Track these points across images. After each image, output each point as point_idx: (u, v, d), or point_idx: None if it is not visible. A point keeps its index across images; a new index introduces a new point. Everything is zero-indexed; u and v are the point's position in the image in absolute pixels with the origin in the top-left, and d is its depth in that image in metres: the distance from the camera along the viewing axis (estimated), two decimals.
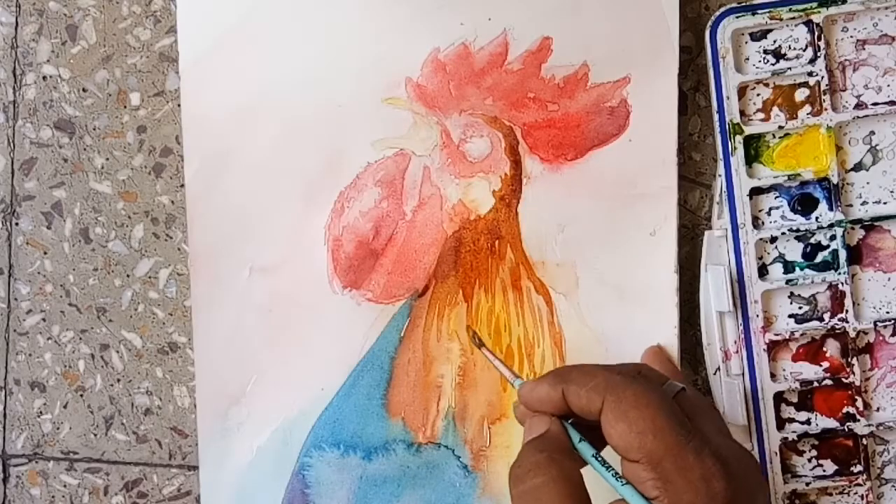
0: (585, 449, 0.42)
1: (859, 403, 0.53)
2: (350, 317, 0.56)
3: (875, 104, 0.52)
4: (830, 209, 0.53)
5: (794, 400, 0.54)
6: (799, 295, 0.53)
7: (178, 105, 0.58)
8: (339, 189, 0.56)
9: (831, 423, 0.53)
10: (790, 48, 0.53)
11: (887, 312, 0.53)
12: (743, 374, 0.53)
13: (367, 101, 0.56)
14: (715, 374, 0.54)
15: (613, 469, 0.40)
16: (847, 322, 0.53)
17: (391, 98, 0.56)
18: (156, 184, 0.60)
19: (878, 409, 0.54)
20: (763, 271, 0.53)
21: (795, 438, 0.53)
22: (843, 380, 0.53)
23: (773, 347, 0.53)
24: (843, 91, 0.53)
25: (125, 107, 0.60)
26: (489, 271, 0.55)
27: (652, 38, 0.53)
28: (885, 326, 0.53)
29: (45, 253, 0.61)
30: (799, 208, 0.53)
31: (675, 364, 0.52)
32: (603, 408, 0.40)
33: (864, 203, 0.53)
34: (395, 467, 0.56)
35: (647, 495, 0.38)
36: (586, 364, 0.44)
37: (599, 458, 0.41)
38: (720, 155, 0.53)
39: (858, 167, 0.53)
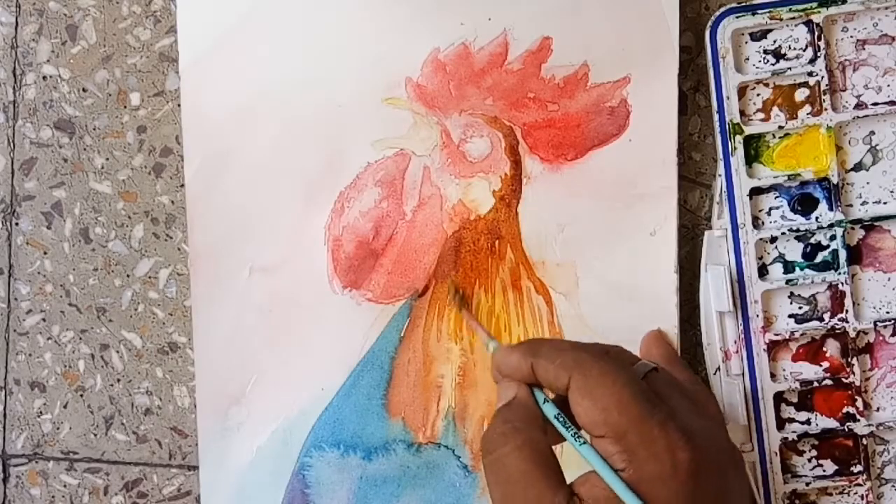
0: (549, 409, 0.43)
1: (859, 403, 0.53)
2: (350, 317, 0.56)
3: (875, 104, 0.52)
4: (830, 209, 0.53)
5: (794, 400, 0.54)
6: (799, 295, 0.53)
7: (178, 105, 0.58)
8: (339, 189, 0.56)
9: (831, 423, 0.53)
10: (790, 48, 0.53)
11: (887, 312, 0.53)
12: (743, 374, 0.53)
13: (367, 101, 0.56)
14: (715, 374, 0.54)
15: (574, 429, 0.41)
16: (847, 322, 0.53)
17: (391, 98, 0.56)
18: (156, 184, 0.60)
19: (878, 409, 0.54)
20: (763, 271, 0.53)
21: (795, 438, 0.53)
22: (843, 380, 0.53)
23: (773, 347, 0.53)
24: (843, 91, 0.53)
25: (125, 107, 0.60)
26: (489, 271, 0.55)
27: (652, 38, 0.53)
28: (885, 326, 0.53)
29: (45, 253, 0.61)
30: (799, 208, 0.53)
31: (675, 348, 0.52)
32: (570, 385, 0.41)
33: (864, 203, 0.53)
34: (395, 467, 0.56)
35: (615, 467, 0.39)
36: (557, 339, 0.44)
37: (561, 419, 0.42)
38: (720, 155, 0.53)
39: (858, 167, 0.53)
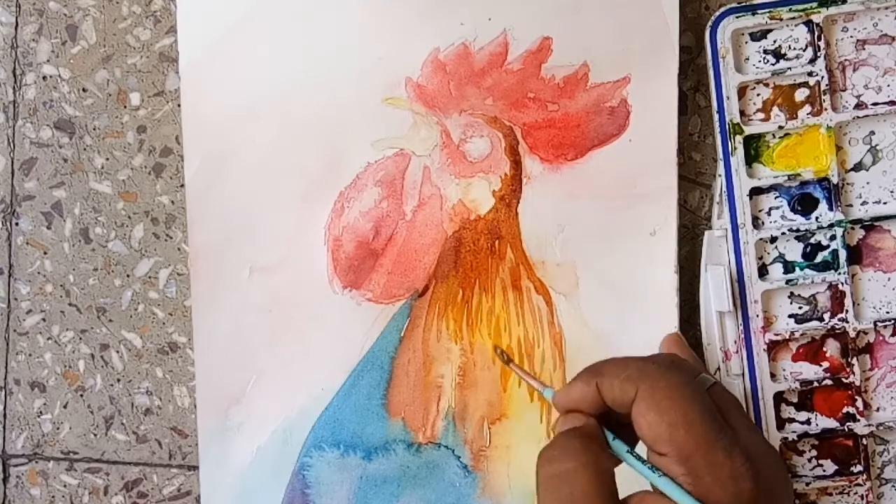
0: (619, 446, 0.41)
1: (859, 403, 0.53)
2: (350, 317, 0.56)
3: (875, 104, 0.52)
4: (830, 209, 0.53)
5: (794, 400, 0.54)
6: (799, 295, 0.53)
7: (178, 105, 0.58)
8: (339, 189, 0.56)
9: (831, 423, 0.53)
10: (790, 48, 0.53)
11: (887, 312, 0.53)
12: (743, 374, 0.53)
13: (367, 101, 0.56)
14: (715, 374, 0.54)
15: (649, 463, 0.40)
16: (847, 322, 0.53)
17: (391, 98, 0.56)
18: (156, 184, 0.60)
19: (878, 409, 0.54)
20: (763, 271, 0.53)
21: (795, 438, 0.53)
22: (843, 380, 0.53)
23: (773, 347, 0.53)
24: (843, 91, 0.53)
25: (125, 107, 0.60)
26: (489, 271, 0.55)
27: (652, 38, 0.53)
28: (885, 326, 0.53)
29: (45, 253, 0.61)
30: (799, 208, 0.53)
31: (692, 353, 0.52)
32: (636, 397, 0.39)
33: (864, 203, 0.53)
34: (396, 467, 0.56)
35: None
36: (619, 356, 0.43)
37: (634, 454, 0.41)
38: (720, 155, 0.53)
39: (858, 167, 0.53)
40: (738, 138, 0.53)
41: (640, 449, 0.41)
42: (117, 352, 0.61)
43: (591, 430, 0.41)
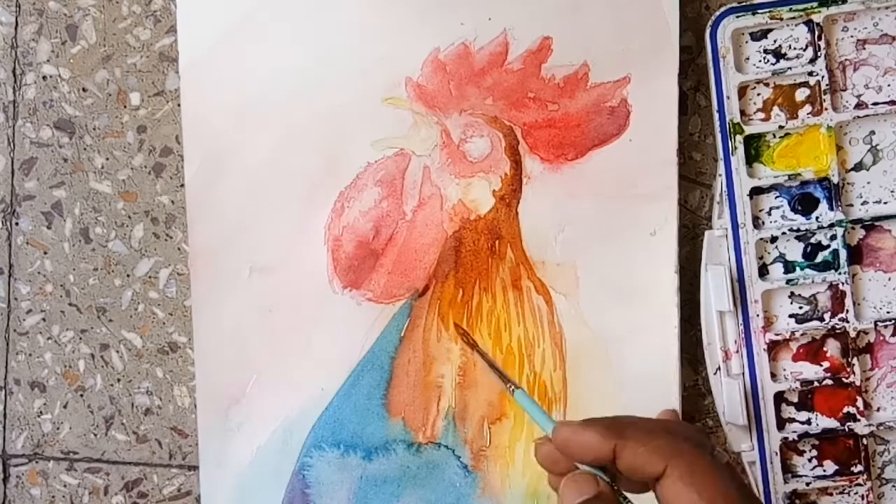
0: None
1: (860, 403, 0.53)
2: (350, 317, 0.56)
3: (875, 104, 0.52)
4: (831, 209, 0.53)
5: (795, 400, 0.54)
6: (799, 295, 0.53)
7: (178, 105, 0.58)
8: (340, 189, 0.56)
9: (832, 423, 0.53)
10: (790, 48, 0.53)
11: (888, 312, 0.53)
12: (743, 373, 0.53)
13: (367, 101, 0.56)
14: (715, 373, 0.54)
15: None
16: (847, 322, 0.53)
17: (391, 98, 0.56)
18: (156, 184, 0.60)
19: (878, 409, 0.54)
20: (763, 271, 0.53)
21: (796, 438, 0.53)
22: (844, 380, 0.53)
23: (774, 347, 0.53)
24: (844, 91, 0.53)
25: (125, 107, 0.60)
26: (489, 271, 0.55)
27: (652, 37, 0.53)
28: (886, 326, 0.53)
29: (45, 253, 0.61)
30: (799, 208, 0.53)
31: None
32: (667, 472, 0.38)
33: (864, 203, 0.53)
34: (396, 467, 0.56)
35: None
36: (642, 419, 0.42)
37: None
38: (720, 155, 0.53)
39: (859, 167, 0.53)
40: (739, 138, 0.53)
41: None
42: (117, 352, 0.61)
43: (607, 498, 0.40)
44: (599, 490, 0.40)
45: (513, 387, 0.46)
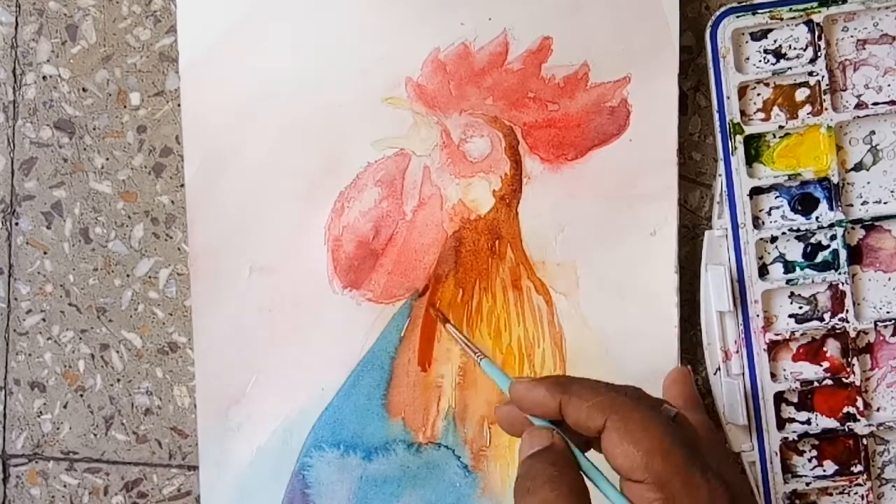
0: (586, 462, 0.42)
1: (859, 403, 0.53)
2: (350, 317, 0.56)
3: (875, 104, 0.52)
4: (831, 209, 0.53)
5: (795, 400, 0.54)
6: (799, 295, 0.53)
7: (178, 105, 0.58)
8: (340, 189, 0.56)
9: (831, 423, 0.53)
10: (790, 48, 0.53)
11: (887, 312, 0.53)
12: (743, 373, 0.53)
13: (367, 101, 0.56)
14: (715, 374, 0.54)
15: (615, 487, 0.41)
16: (847, 322, 0.53)
17: (391, 98, 0.56)
18: (156, 184, 0.60)
19: (878, 409, 0.54)
20: (763, 271, 0.53)
21: (796, 438, 0.53)
22: (844, 380, 0.53)
23: (774, 347, 0.53)
24: (844, 91, 0.53)
25: (125, 107, 0.60)
26: (489, 271, 0.55)
27: (652, 37, 0.53)
28: (886, 326, 0.53)
29: (45, 253, 0.61)
30: (799, 208, 0.53)
31: (693, 389, 0.52)
32: (606, 425, 0.40)
33: (864, 203, 0.53)
34: (396, 467, 0.56)
35: None
36: (587, 378, 0.44)
37: (600, 473, 0.42)
38: (720, 155, 0.53)
39: (859, 167, 0.53)
40: (739, 138, 0.53)
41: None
42: (117, 352, 0.61)
43: (562, 452, 0.42)
44: (552, 442, 0.42)
45: (480, 356, 0.49)
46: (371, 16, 0.56)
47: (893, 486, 0.54)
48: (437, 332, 0.56)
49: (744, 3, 0.52)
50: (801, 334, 0.53)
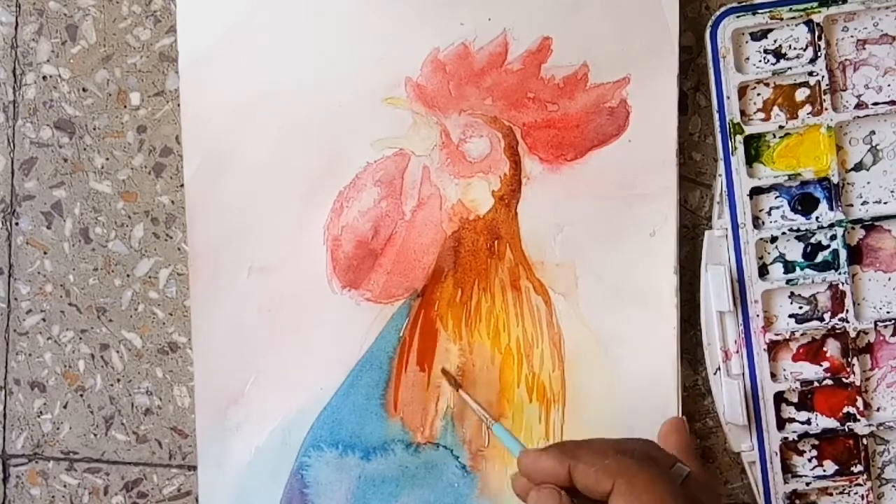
0: None
1: (859, 403, 0.53)
2: (349, 316, 0.56)
3: (875, 104, 0.52)
4: (831, 209, 0.53)
5: (795, 400, 0.54)
6: (799, 295, 0.53)
7: (178, 105, 0.58)
8: (339, 189, 0.56)
9: (831, 423, 0.53)
10: (790, 48, 0.53)
11: (887, 312, 0.53)
12: (743, 373, 0.53)
13: (367, 101, 0.56)
14: (715, 373, 0.54)
15: None
16: (847, 322, 0.53)
17: (391, 98, 0.56)
18: (156, 184, 0.60)
19: (878, 409, 0.53)
20: (763, 271, 0.53)
21: (796, 438, 0.53)
22: (844, 380, 0.53)
23: (774, 347, 0.53)
24: (844, 91, 0.53)
25: (125, 107, 0.60)
26: (488, 271, 0.55)
27: (652, 38, 0.53)
28: (886, 326, 0.53)
29: (45, 253, 0.61)
30: (799, 208, 0.53)
31: (690, 439, 0.52)
32: (614, 489, 0.40)
33: (864, 203, 0.53)
34: (394, 467, 0.56)
35: None
36: (594, 440, 0.44)
37: None
38: (720, 155, 0.53)
39: (859, 167, 0.53)
40: (739, 138, 0.53)
41: None
42: (117, 352, 0.61)
43: None
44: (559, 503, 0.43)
45: (492, 421, 0.51)
46: (371, 16, 0.56)
47: (893, 486, 0.54)
48: (437, 333, 0.56)
49: (744, 3, 0.52)
50: (801, 334, 0.53)
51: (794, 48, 0.53)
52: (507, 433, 0.50)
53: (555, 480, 0.43)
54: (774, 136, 0.53)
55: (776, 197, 0.53)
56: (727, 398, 0.53)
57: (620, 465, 0.41)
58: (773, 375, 0.53)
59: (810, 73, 0.52)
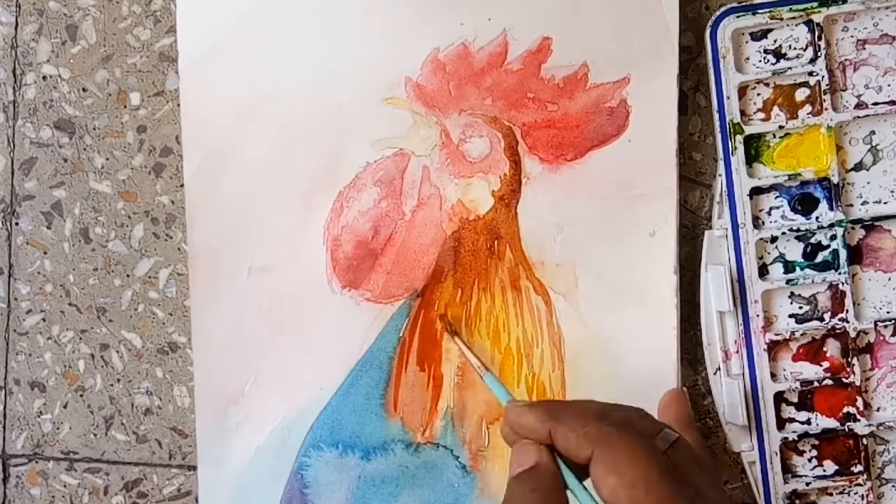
0: (573, 481, 0.42)
1: (859, 403, 0.53)
2: (349, 316, 0.56)
3: (875, 104, 0.52)
4: (831, 209, 0.53)
5: (795, 400, 0.54)
6: (799, 295, 0.53)
7: (178, 105, 0.58)
8: (339, 189, 0.56)
9: (831, 423, 0.53)
10: (790, 48, 0.53)
11: (887, 312, 0.53)
12: (743, 374, 0.53)
13: (366, 101, 0.56)
14: (715, 374, 0.54)
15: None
16: (847, 322, 0.53)
17: (391, 98, 0.56)
18: (156, 184, 0.60)
19: (878, 409, 0.53)
20: (763, 271, 0.53)
21: (796, 438, 0.53)
22: (844, 380, 0.53)
23: (774, 347, 0.53)
24: (844, 91, 0.53)
25: (125, 107, 0.60)
26: (488, 271, 0.55)
27: (652, 38, 0.53)
28: (886, 326, 0.53)
29: (45, 253, 0.61)
30: (799, 208, 0.53)
31: (688, 410, 0.51)
32: (593, 457, 0.40)
33: (864, 203, 0.53)
34: (394, 467, 0.56)
35: None
36: (579, 402, 0.44)
37: (587, 491, 0.41)
38: (720, 154, 0.53)
39: (859, 167, 0.53)
40: (739, 138, 0.53)
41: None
42: (117, 352, 0.61)
43: (545, 469, 0.42)
44: (537, 461, 0.42)
45: (483, 370, 0.50)
46: (371, 16, 0.56)
47: (893, 486, 0.54)
48: (437, 333, 0.56)
49: (744, 3, 0.52)
50: (801, 334, 0.53)
51: (794, 48, 0.53)
52: (497, 383, 0.50)
53: (535, 438, 0.42)
54: (774, 136, 0.53)
55: (776, 197, 0.53)
56: (727, 398, 0.53)
57: (601, 431, 0.40)
58: (773, 375, 0.53)
59: (810, 73, 0.52)
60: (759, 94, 0.53)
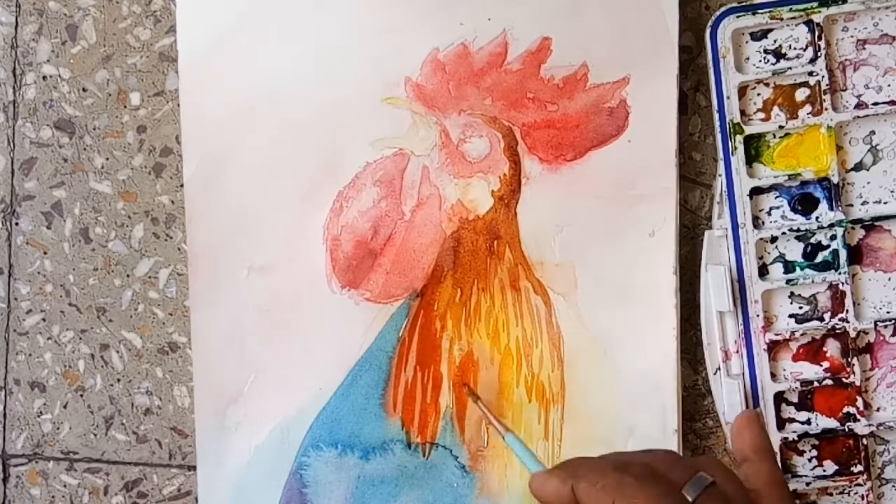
0: None
1: (859, 403, 0.53)
2: (348, 316, 0.56)
3: (875, 104, 0.52)
4: (831, 209, 0.52)
5: (795, 400, 0.54)
6: (799, 295, 0.53)
7: (178, 105, 0.58)
8: (338, 189, 0.56)
9: (831, 423, 0.53)
10: (790, 48, 0.53)
11: (887, 312, 0.53)
12: (743, 374, 0.53)
13: (366, 101, 0.56)
14: (715, 374, 0.54)
15: None
16: (847, 322, 0.52)
17: (391, 98, 0.56)
18: (156, 184, 0.60)
19: (878, 409, 0.53)
20: (763, 271, 0.53)
21: (796, 438, 0.53)
22: (844, 380, 0.53)
23: (774, 347, 0.53)
24: (844, 91, 0.53)
25: (125, 107, 0.60)
26: (488, 271, 0.55)
27: (652, 38, 0.53)
28: (886, 326, 0.53)
29: (45, 253, 0.61)
30: (799, 208, 0.53)
31: (763, 435, 0.47)
32: None
33: (864, 203, 0.53)
34: (393, 467, 0.56)
35: None
36: (600, 457, 0.44)
37: None
38: (720, 155, 0.53)
39: (859, 167, 0.53)
40: (739, 138, 0.52)
41: None
42: (117, 352, 0.61)
43: None
44: None
45: (505, 430, 0.50)
46: (371, 16, 0.56)
47: (893, 486, 0.54)
48: (436, 333, 0.56)
49: (744, 3, 0.52)
50: (801, 334, 0.53)
51: (794, 48, 0.53)
52: (520, 444, 0.50)
53: (562, 501, 0.42)
54: (774, 136, 0.53)
55: (776, 197, 0.53)
56: (727, 398, 0.53)
57: (619, 483, 0.40)
58: (773, 375, 0.53)
59: (810, 73, 0.52)
60: (759, 94, 0.53)
